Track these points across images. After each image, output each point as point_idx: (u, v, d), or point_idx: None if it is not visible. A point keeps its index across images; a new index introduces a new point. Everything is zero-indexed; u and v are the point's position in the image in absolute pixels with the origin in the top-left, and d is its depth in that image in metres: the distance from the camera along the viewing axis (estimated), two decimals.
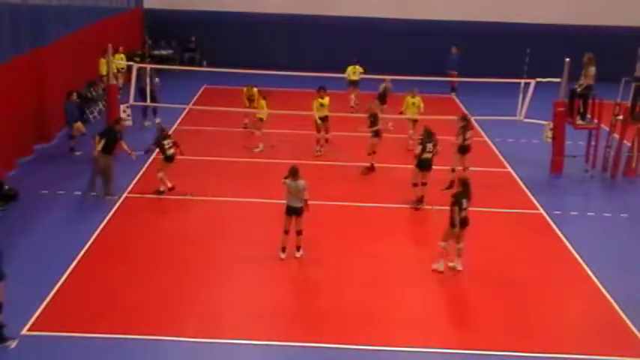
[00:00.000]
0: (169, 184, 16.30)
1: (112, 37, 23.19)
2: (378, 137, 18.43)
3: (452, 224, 12.90)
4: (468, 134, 17.42)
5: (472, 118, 21.60)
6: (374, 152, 18.51)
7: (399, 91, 21.81)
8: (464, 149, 17.38)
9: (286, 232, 13.30)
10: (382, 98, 22.10)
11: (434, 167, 16.23)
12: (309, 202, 13.20)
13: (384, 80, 22.57)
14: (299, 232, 13.36)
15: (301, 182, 13.09)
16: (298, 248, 13.49)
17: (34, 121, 18.92)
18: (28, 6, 18.40)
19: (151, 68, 21.36)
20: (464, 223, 13.02)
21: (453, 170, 17.35)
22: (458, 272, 13.05)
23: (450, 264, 13.13)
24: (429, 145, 15.94)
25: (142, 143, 18.67)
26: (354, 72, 24.62)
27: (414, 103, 20.08)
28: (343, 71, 24.52)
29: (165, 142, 16.34)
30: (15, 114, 17.34)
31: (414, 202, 16.13)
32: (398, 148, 20.18)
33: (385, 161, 18.67)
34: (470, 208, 13.02)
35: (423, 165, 16.07)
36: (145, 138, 19.29)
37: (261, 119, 20.05)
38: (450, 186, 16.59)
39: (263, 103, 20.13)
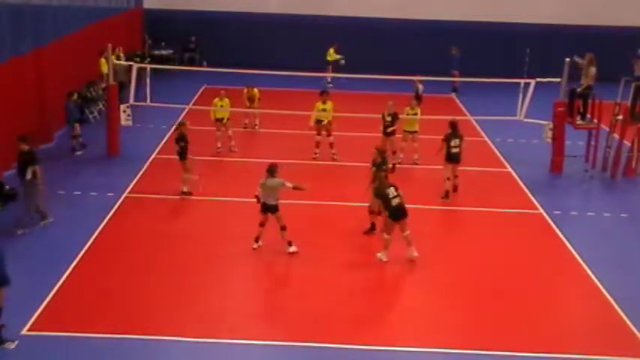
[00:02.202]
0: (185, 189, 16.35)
1: (112, 37, 23.16)
2: (387, 136, 18.35)
3: (389, 215, 13.24)
4: (454, 142, 16.43)
5: (473, 120, 21.66)
6: (394, 152, 18.43)
7: (428, 90, 21.77)
8: (450, 158, 16.46)
9: (261, 224, 13.52)
10: (417, 99, 20.79)
11: (429, 167, 16.15)
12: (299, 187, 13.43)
13: (413, 82, 22.41)
14: (283, 228, 13.44)
15: (276, 180, 13.18)
16: (290, 244, 13.55)
17: (35, 121, 18.89)
18: (28, 6, 18.38)
19: (147, 68, 21.30)
20: (401, 211, 13.25)
21: (448, 179, 16.66)
22: (415, 258, 13.33)
23: (386, 253, 13.35)
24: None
25: (139, 142, 18.76)
26: (329, 54, 28.37)
27: (408, 114, 18.92)
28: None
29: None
30: (15, 114, 17.31)
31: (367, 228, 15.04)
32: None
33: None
34: (469, 208, 13.00)
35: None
36: (142, 138, 19.42)
37: (220, 119, 19.61)
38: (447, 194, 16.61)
39: (227, 101, 19.73)
